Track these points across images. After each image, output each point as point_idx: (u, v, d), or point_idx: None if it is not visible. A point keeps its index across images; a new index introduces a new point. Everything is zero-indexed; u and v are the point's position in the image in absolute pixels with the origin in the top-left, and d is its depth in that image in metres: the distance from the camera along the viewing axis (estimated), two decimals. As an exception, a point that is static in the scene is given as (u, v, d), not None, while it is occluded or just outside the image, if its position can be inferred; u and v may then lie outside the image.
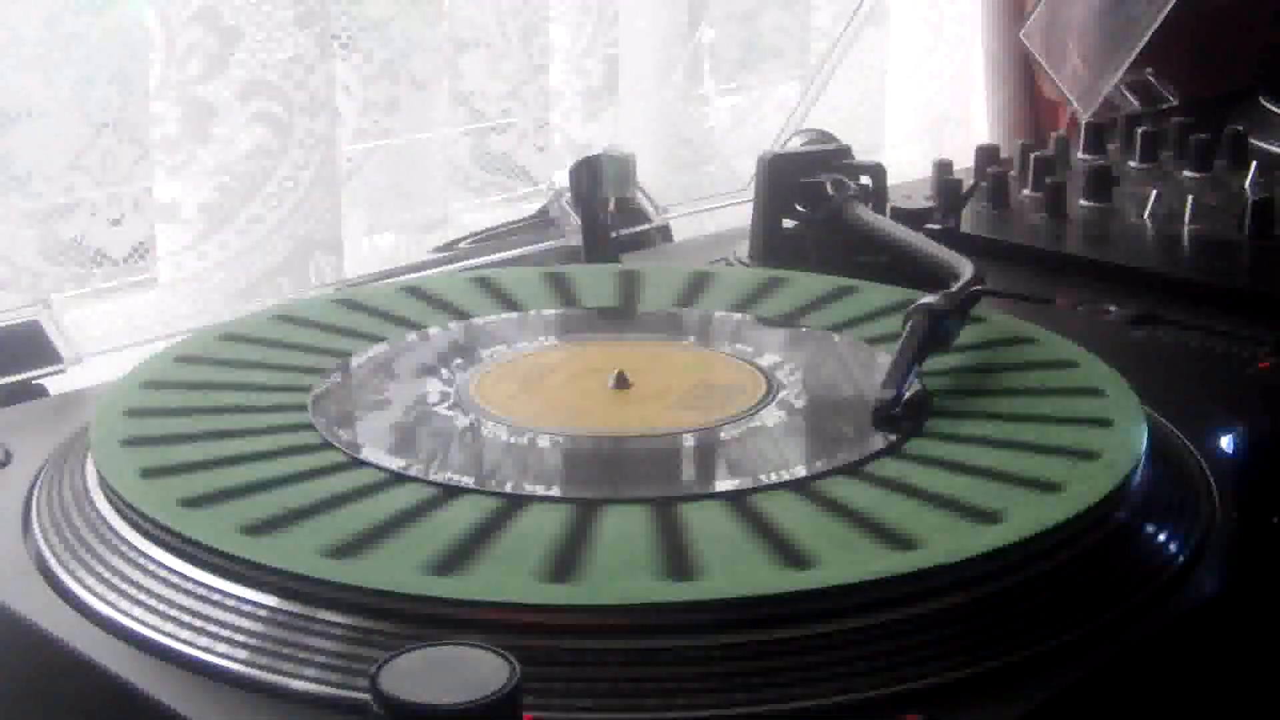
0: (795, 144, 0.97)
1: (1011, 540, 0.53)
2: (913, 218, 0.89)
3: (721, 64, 1.31)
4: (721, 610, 0.49)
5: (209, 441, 0.61)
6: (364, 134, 1.06)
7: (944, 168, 1.07)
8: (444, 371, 0.70)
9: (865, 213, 0.88)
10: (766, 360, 0.71)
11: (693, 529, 0.54)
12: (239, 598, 0.51)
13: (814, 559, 0.51)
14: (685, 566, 0.51)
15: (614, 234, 0.96)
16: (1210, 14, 1.31)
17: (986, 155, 1.10)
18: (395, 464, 0.59)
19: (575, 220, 0.97)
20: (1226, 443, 0.66)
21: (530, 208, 1.05)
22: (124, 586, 0.53)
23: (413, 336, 0.74)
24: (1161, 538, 0.57)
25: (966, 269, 0.74)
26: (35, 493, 0.61)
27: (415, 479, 0.58)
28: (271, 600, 0.50)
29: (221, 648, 0.50)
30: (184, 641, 0.50)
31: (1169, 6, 1.16)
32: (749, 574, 0.51)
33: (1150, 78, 1.33)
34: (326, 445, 0.61)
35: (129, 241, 0.96)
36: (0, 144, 0.89)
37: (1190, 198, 1.00)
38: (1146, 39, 1.18)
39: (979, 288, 0.73)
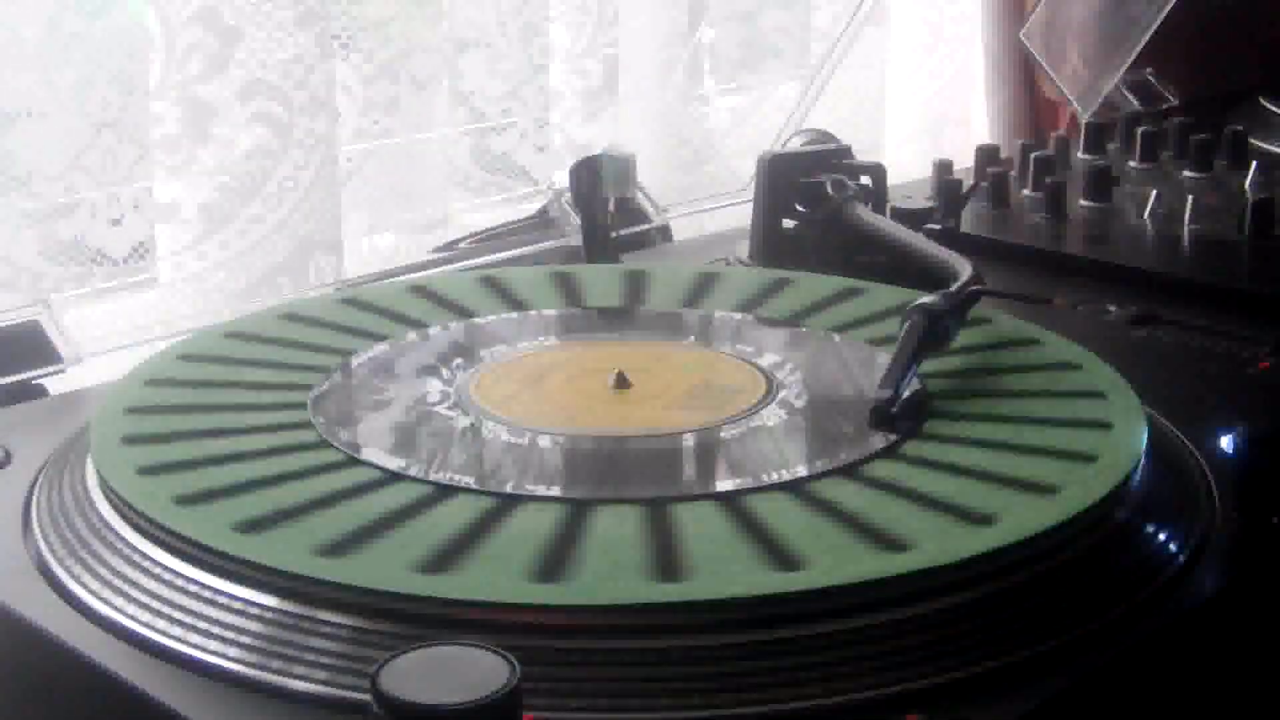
0: (795, 144, 0.97)
1: (1011, 540, 0.53)
2: (913, 218, 0.89)
3: (721, 64, 1.31)
4: (721, 610, 0.49)
5: (207, 440, 0.61)
6: (364, 134, 1.06)
7: (944, 168, 1.07)
8: (444, 371, 0.70)
9: (865, 213, 0.88)
10: (767, 360, 0.71)
11: (689, 529, 0.54)
12: (238, 598, 0.51)
13: (812, 559, 0.51)
14: (682, 566, 0.51)
15: (614, 234, 0.96)
16: (1210, 14, 1.31)
17: (986, 155, 1.10)
18: (394, 463, 0.59)
19: (575, 220, 0.97)
20: (1226, 443, 0.66)
21: (530, 208, 1.05)
22: (124, 586, 0.53)
23: (413, 336, 0.74)
24: (1161, 538, 0.57)
25: (965, 269, 0.74)
26: (35, 493, 0.61)
27: (415, 479, 0.58)
28: (271, 600, 0.50)
29: (221, 648, 0.50)
30: (184, 641, 0.50)
31: (1169, 6, 1.16)
32: (747, 574, 0.51)
33: (1150, 78, 1.33)
34: (325, 444, 0.61)
35: (129, 241, 0.96)
36: (0, 144, 0.89)
37: (1190, 198, 1.00)
38: (1146, 39, 1.18)
39: (978, 288, 0.73)
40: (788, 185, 0.90)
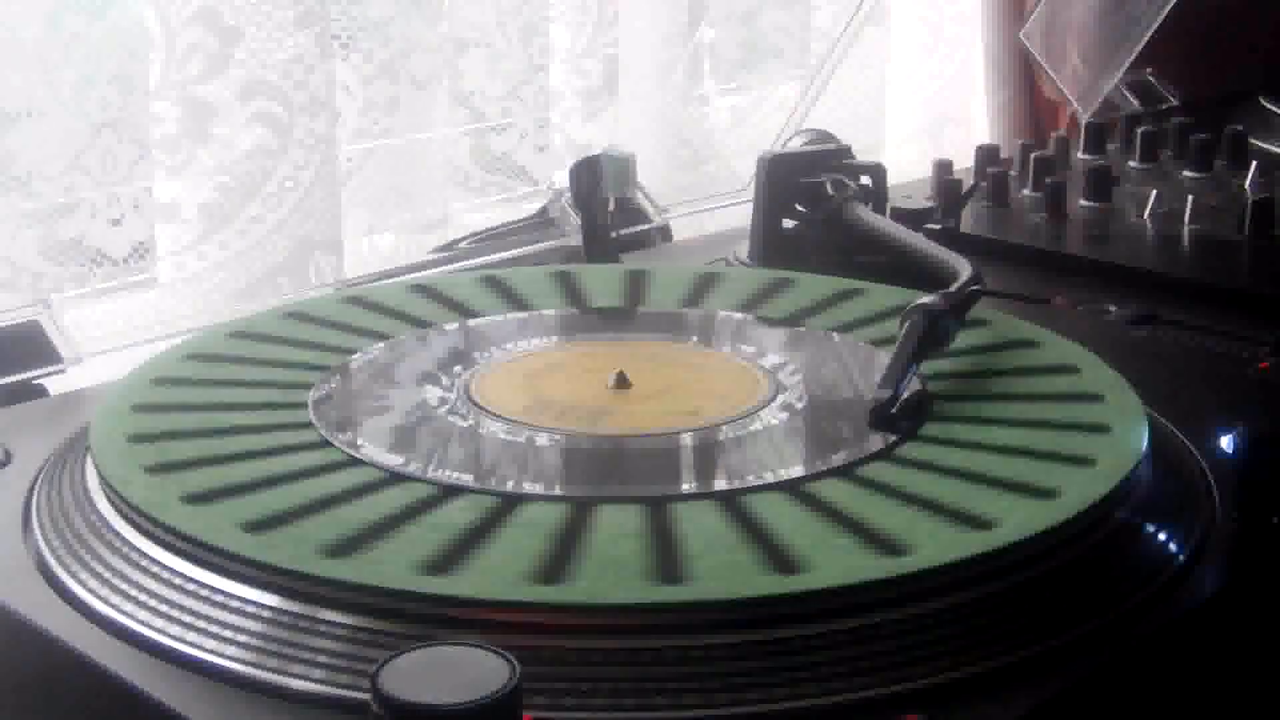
0: (795, 144, 0.97)
1: (1012, 541, 0.53)
2: (913, 218, 0.89)
3: (721, 64, 1.31)
4: (720, 611, 0.49)
5: (209, 440, 0.61)
6: (364, 134, 1.06)
7: (944, 168, 1.07)
8: (444, 372, 0.70)
9: (865, 213, 0.88)
10: (768, 361, 0.71)
11: (689, 529, 0.54)
12: (239, 597, 0.51)
13: (813, 559, 0.51)
14: (682, 567, 0.51)
15: (614, 234, 0.96)
16: (1210, 14, 1.31)
17: (986, 155, 1.10)
18: (395, 463, 0.59)
19: (575, 220, 0.97)
20: (1226, 443, 0.66)
21: (530, 208, 1.05)
22: (124, 586, 0.53)
23: (413, 336, 0.74)
24: (1161, 538, 0.57)
25: (965, 269, 0.74)
26: (35, 493, 0.61)
27: (415, 478, 0.58)
28: (272, 600, 0.50)
29: (221, 647, 0.50)
30: (184, 641, 0.50)
31: (1169, 6, 1.16)
32: (747, 575, 0.51)
33: (1150, 78, 1.33)
34: (327, 444, 0.61)
35: (129, 241, 0.96)
36: (0, 144, 0.89)
37: (1190, 198, 1.00)
38: (1146, 39, 1.18)
39: (977, 288, 0.73)
40: (788, 185, 0.90)
